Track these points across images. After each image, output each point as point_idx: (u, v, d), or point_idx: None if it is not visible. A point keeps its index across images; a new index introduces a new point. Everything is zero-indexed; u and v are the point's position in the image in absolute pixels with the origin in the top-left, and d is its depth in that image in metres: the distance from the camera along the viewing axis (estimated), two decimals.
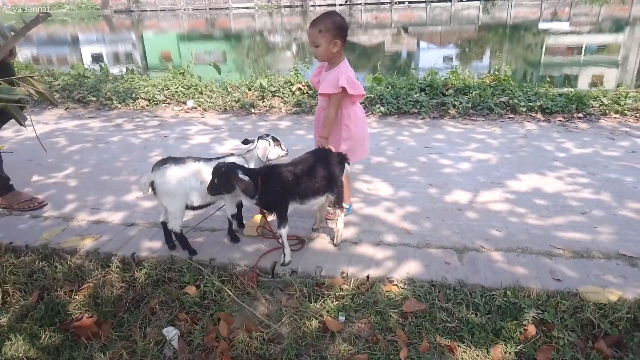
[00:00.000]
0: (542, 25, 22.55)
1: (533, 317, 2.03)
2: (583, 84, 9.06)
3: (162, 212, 2.57)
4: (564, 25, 22.27)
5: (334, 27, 2.53)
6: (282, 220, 2.37)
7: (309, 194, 2.41)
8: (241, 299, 2.33)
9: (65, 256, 2.68)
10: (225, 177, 2.27)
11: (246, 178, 2.25)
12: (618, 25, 21.33)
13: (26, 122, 1.69)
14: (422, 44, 19.67)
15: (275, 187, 2.33)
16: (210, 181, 2.33)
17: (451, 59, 15.64)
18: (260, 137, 2.70)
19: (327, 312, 2.19)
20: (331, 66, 2.68)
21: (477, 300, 2.14)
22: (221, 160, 2.51)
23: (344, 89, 2.55)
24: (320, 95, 2.74)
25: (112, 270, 2.54)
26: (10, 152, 4.51)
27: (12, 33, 1.64)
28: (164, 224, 2.58)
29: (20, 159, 4.27)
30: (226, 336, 2.14)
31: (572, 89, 5.56)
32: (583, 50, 15.44)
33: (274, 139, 2.72)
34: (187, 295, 2.35)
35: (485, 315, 2.08)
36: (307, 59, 7.64)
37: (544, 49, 15.55)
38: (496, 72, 6.01)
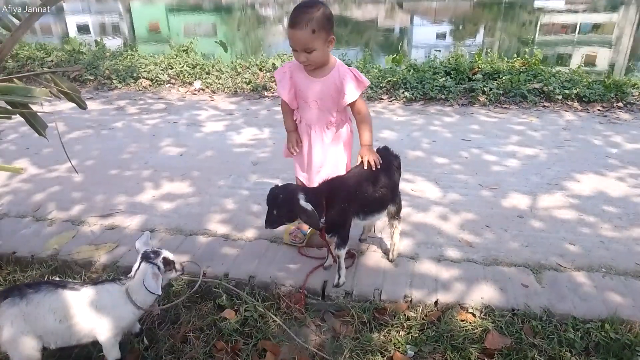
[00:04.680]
0: (537, 3, 22.14)
1: None
2: (575, 63, 8.83)
3: None
4: (559, 4, 21.90)
5: (326, 19, 1.94)
6: (345, 240, 2.04)
7: (374, 208, 2.07)
8: (288, 324, 2.01)
9: (79, 270, 2.32)
10: (286, 206, 1.88)
11: (309, 207, 1.85)
12: (613, 4, 21.08)
13: (49, 130, 1.31)
14: (416, 20, 19.33)
15: (342, 204, 1.98)
16: (268, 212, 1.91)
17: (444, 36, 15.39)
18: (145, 258, 1.76)
19: (394, 345, 1.88)
20: (322, 70, 2.08)
21: (570, 335, 1.84)
22: (100, 288, 1.74)
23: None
24: (318, 108, 2.14)
25: None
26: (2, 138, 4.10)
27: (13, 19, 1.25)
28: None
29: (16, 146, 3.86)
30: None
31: (607, 76, 5.22)
32: (577, 29, 15.28)
33: (166, 262, 1.80)
34: (225, 321, 2.02)
35: (583, 354, 1.79)
36: None
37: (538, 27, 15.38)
38: (526, 56, 5.63)
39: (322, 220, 1.94)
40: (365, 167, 2.04)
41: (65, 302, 1.68)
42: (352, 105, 2.11)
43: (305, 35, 1.91)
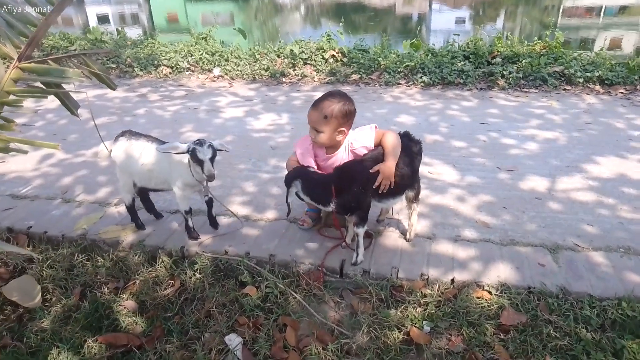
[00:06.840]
0: None
1: None
2: (599, 47, 8.51)
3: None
4: None
5: (342, 115, 2.07)
6: (363, 220, 2.09)
7: (391, 192, 2.11)
8: (307, 301, 2.07)
9: (107, 248, 2.42)
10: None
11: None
12: None
13: (84, 112, 1.38)
14: (435, 5, 19.06)
15: (356, 188, 2.04)
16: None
17: (464, 21, 15.16)
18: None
19: (411, 321, 1.93)
20: (333, 148, 2.22)
21: (586, 312, 1.87)
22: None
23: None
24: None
25: (160, 267, 2.29)
26: (30, 125, 4.23)
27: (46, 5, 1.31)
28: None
29: (44, 132, 3.99)
30: (295, 345, 1.89)
31: (631, 59, 5.10)
32: (602, 12, 14.84)
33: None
34: (247, 297, 2.09)
35: (599, 331, 1.81)
36: (315, 22, 7.17)
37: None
38: (547, 39, 5.53)
39: (332, 204, 2.05)
40: (375, 186, 2.06)
41: (149, 151, 2.20)
42: (379, 144, 2.15)
43: (317, 117, 2.09)
